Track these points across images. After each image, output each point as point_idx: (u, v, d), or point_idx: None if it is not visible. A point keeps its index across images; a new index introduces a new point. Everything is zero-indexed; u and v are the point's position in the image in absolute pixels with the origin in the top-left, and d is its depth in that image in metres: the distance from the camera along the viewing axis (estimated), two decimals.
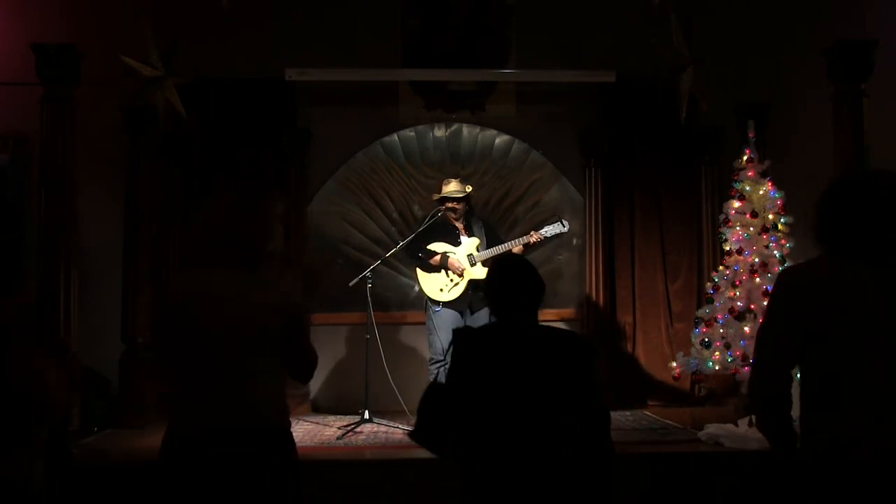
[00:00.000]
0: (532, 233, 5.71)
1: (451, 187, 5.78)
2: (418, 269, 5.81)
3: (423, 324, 5.90)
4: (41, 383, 2.68)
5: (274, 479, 2.52)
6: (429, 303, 5.74)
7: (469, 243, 5.77)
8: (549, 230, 5.71)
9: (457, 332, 2.72)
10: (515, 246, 5.67)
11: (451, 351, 2.68)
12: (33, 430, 2.74)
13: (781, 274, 2.45)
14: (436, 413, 2.63)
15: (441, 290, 5.68)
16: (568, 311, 6.87)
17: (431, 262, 5.70)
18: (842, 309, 2.24)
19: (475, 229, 5.82)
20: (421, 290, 5.84)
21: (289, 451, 2.61)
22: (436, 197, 5.90)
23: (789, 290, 2.34)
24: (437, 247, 5.75)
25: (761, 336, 2.40)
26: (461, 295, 5.68)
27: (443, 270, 5.69)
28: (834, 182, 2.42)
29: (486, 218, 6.30)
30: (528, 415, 2.50)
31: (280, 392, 2.65)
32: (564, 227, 5.72)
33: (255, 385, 2.56)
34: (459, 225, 5.80)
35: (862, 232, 2.28)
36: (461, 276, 5.68)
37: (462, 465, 2.59)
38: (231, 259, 2.60)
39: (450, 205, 5.75)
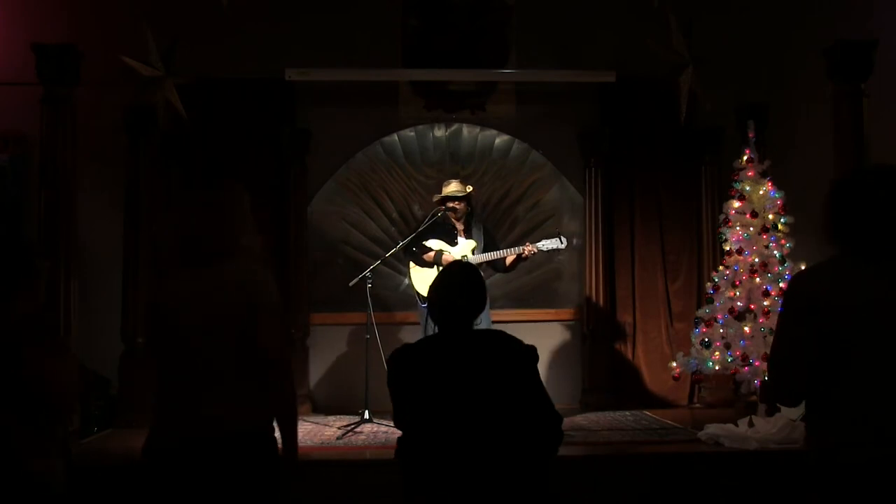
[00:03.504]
0: (527, 244, 5.62)
1: (452, 187, 5.76)
2: (412, 263, 5.79)
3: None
4: (57, 383, 2.69)
5: (247, 486, 2.50)
6: (417, 298, 5.74)
7: (465, 245, 5.75)
8: (546, 244, 5.61)
9: (390, 358, 2.67)
10: (509, 255, 5.64)
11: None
12: (51, 429, 2.74)
13: (792, 278, 2.44)
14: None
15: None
16: (568, 311, 6.88)
17: (425, 257, 5.68)
18: (853, 310, 2.22)
19: (474, 232, 5.79)
20: (410, 283, 5.82)
21: (264, 456, 2.57)
22: (436, 198, 5.86)
23: (800, 293, 2.32)
24: (434, 244, 5.73)
25: (776, 341, 2.38)
26: None
27: (435, 267, 5.67)
28: (843, 179, 2.39)
29: (486, 218, 6.28)
30: (467, 421, 2.48)
31: (258, 394, 2.58)
32: (562, 243, 5.63)
33: (232, 388, 2.53)
34: (459, 226, 5.78)
35: (879, 228, 2.25)
36: None
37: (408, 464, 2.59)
38: (198, 258, 2.61)
39: (451, 204, 5.73)
